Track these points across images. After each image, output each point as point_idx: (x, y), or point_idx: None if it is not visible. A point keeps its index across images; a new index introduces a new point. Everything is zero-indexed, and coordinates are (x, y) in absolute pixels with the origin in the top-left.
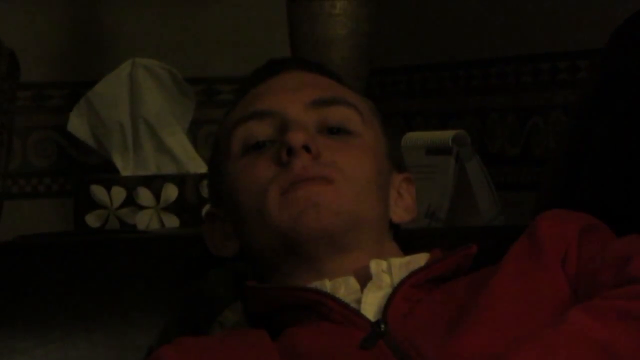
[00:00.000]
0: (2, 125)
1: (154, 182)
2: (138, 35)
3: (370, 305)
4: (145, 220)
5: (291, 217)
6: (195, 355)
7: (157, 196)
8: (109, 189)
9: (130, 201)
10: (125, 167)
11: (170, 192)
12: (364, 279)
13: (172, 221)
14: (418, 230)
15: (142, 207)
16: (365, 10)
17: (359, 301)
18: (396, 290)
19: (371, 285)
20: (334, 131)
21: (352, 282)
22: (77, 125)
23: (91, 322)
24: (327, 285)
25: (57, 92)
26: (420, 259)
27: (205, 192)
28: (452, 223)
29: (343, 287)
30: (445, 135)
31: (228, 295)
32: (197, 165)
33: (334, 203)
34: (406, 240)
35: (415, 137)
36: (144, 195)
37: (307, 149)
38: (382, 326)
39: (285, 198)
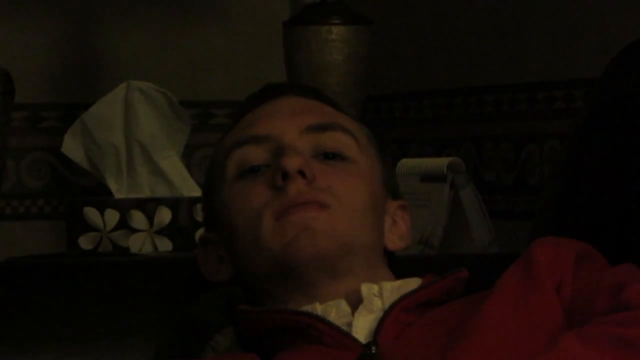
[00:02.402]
0: None
1: (148, 205)
2: (134, 57)
3: (361, 328)
4: (138, 244)
5: (285, 242)
6: None
7: (151, 219)
8: (102, 212)
9: (124, 224)
10: (119, 190)
11: (164, 215)
12: (356, 302)
13: (165, 245)
14: (411, 257)
15: (135, 230)
16: (361, 36)
17: (350, 325)
18: (387, 313)
19: (362, 309)
20: (330, 157)
21: (344, 305)
22: (71, 147)
23: (83, 345)
24: (318, 308)
25: (52, 113)
26: (412, 283)
27: (199, 215)
28: (446, 251)
29: (334, 311)
30: (440, 163)
31: (220, 320)
32: (191, 189)
33: (329, 228)
34: (399, 267)
35: (410, 164)
36: (137, 218)
37: (302, 173)
38: (373, 348)
39: (279, 223)
